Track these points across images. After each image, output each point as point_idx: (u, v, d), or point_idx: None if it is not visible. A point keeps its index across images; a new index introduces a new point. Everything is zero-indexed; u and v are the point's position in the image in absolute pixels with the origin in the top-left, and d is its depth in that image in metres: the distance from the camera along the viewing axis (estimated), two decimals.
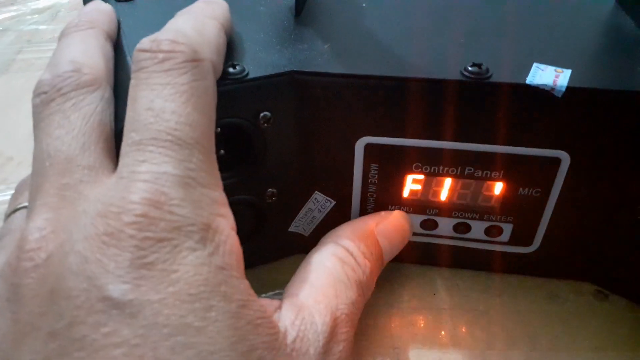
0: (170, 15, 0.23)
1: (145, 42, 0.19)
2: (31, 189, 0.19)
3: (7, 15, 0.49)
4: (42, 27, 0.48)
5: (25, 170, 0.34)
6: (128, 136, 0.17)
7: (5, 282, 0.17)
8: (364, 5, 0.27)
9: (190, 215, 0.16)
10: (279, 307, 0.19)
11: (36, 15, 0.49)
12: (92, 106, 0.20)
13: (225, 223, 0.17)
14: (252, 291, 0.17)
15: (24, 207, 0.21)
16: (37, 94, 0.20)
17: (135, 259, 0.15)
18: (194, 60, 0.18)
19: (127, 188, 0.16)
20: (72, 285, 0.15)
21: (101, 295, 0.15)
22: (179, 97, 0.18)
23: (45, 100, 0.20)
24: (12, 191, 0.33)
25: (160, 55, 0.18)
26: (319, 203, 0.26)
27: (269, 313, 0.18)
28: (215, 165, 0.18)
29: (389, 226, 0.25)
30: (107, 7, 0.25)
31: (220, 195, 0.18)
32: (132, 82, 0.18)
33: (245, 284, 0.17)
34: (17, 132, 0.37)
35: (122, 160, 0.17)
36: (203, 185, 0.17)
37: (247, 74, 0.22)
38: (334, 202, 0.26)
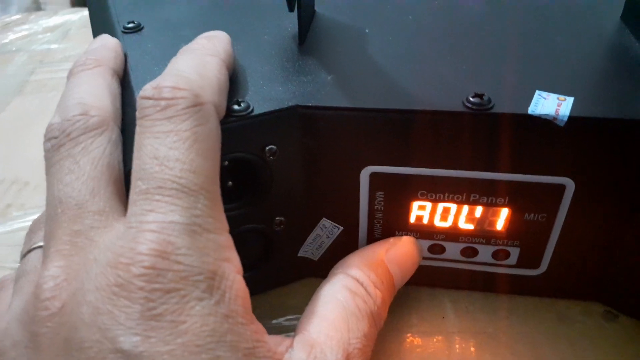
0: (175, 45, 0.23)
1: (147, 89, 0.19)
2: (45, 234, 0.19)
3: (19, 35, 0.50)
4: (53, 46, 0.48)
5: (42, 195, 0.35)
6: (135, 184, 0.18)
7: (24, 330, 0.17)
8: (366, 31, 0.27)
9: (196, 263, 0.17)
10: (291, 345, 0.19)
11: (48, 34, 0.50)
12: (101, 149, 0.20)
13: (231, 268, 0.18)
14: (260, 335, 0.18)
15: (39, 246, 0.22)
16: (47, 138, 0.21)
17: (144, 311, 0.16)
18: (196, 105, 0.19)
19: (135, 238, 0.17)
20: (84, 336, 0.16)
21: (113, 347, 0.16)
22: (182, 144, 0.18)
23: (55, 146, 0.20)
24: (30, 217, 0.34)
25: (163, 103, 0.18)
26: (327, 229, 0.27)
27: (278, 355, 0.18)
28: (221, 208, 0.19)
29: (399, 253, 0.25)
30: (114, 42, 0.26)
31: (225, 239, 0.18)
32: (137, 129, 0.19)
33: (252, 329, 0.18)
34: (32, 155, 0.37)
35: (131, 208, 0.18)
36: (209, 231, 0.18)
37: (252, 110, 0.22)
38: (341, 228, 0.26)
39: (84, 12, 0.53)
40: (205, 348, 0.16)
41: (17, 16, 0.53)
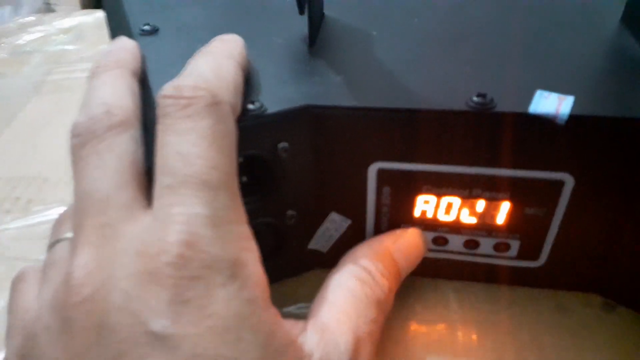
0: (190, 47, 0.24)
1: (168, 88, 0.20)
2: (74, 226, 0.20)
3: (34, 37, 0.52)
4: (68, 47, 0.50)
5: (62, 191, 0.37)
6: (159, 179, 0.19)
7: (56, 315, 0.18)
8: (374, 33, 0.28)
9: (220, 253, 0.18)
10: (304, 329, 0.21)
11: (62, 35, 0.52)
12: (124, 146, 0.21)
13: (251, 256, 0.19)
14: (277, 318, 0.19)
15: (66, 238, 0.23)
16: (73, 135, 0.22)
17: (173, 296, 0.17)
18: (215, 104, 0.20)
19: (163, 230, 0.18)
20: (116, 320, 0.17)
21: (144, 329, 0.17)
22: (203, 142, 0.19)
23: (81, 143, 0.21)
24: (51, 211, 0.35)
25: (183, 102, 0.20)
26: (336, 223, 0.28)
27: (294, 337, 0.19)
28: (239, 201, 0.20)
29: (405, 244, 0.26)
30: (132, 44, 0.27)
31: (245, 229, 0.20)
32: (159, 126, 0.20)
33: (271, 312, 0.19)
34: (52, 153, 0.39)
35: (157, 202, 0.19)
36: (230, 222, 0.19)
37: (266, 110, 0.23)
38: (349, 222, 0.28)
39: (97, 14, 0.54)
40: (230, 330, 0.17)
41: (31, 18, 0.55)
